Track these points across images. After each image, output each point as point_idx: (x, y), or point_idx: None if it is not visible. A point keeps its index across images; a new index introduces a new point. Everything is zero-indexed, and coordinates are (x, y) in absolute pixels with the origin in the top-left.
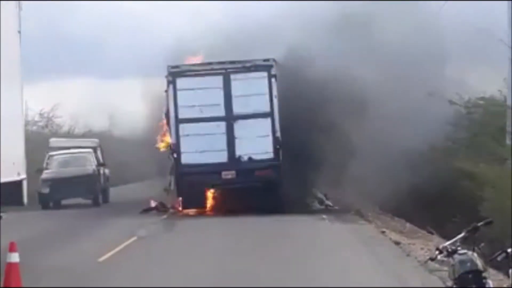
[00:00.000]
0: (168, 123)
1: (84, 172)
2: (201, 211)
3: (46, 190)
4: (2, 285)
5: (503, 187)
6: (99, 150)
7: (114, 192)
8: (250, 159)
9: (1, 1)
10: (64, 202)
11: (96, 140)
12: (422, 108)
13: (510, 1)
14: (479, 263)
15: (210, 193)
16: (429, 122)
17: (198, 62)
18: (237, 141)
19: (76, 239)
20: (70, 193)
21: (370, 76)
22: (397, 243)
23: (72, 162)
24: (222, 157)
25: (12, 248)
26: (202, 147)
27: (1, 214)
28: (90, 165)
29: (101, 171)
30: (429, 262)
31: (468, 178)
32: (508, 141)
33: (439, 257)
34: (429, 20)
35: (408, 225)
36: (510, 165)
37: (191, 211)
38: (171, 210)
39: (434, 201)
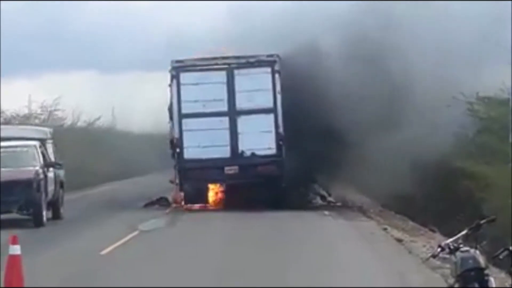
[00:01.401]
0: (171, 117)
1: (21, 176)
2: (204, 206)
3: None
4: (3, 278)
5: (505, 186)
6: (50, 143)
7: (115, 187)
8: (253, 154)
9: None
10: None
11: (46, 129)
12: (428, 107)
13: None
14: (482, 260)
15: (212, 188)
16: (435, 121)
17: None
18: (240, 137)
19: (78, 231)
20: None
21: (378, 76)
22: (399, 240)
23: (4, 161)
24: (225, 152)
25: (14, 241)
26: (205, 142)
27: None
28: (32, 166)
29: (50, 175)
30: (431, 259)
31: (470, 177)
32: (510, 140)
33: (441, 254)
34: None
35: (410, 222)
36: (511, 163)
37: (194, 206)
38: (174, 205)
39: (437, 199)
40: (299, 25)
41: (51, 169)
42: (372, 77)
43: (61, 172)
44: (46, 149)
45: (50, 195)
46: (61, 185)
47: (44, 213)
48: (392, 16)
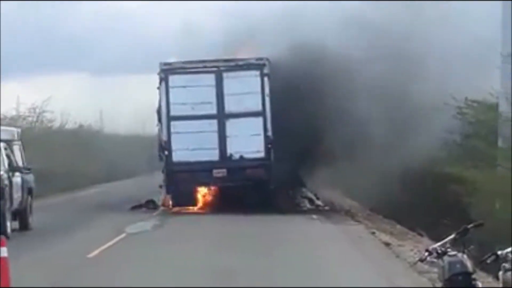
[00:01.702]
0: (159, 120)
1: None
2: (192, 209)
3: None
4: None
5: (493, 191)
6: (18, 145)
7: (103, 189)
8: (241, 157)
9: (1, 1)
10: None
11: (14, 129)
12: (417, 113)
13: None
14: (469, 265)
15: (200, 191)
16: (424, 126)
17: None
18: (228, 140)
19: (66, 234)
20: None
21: (368, 80)
22: (387, 244)
23: None
24: (214, 155)
25: (1, 243)
26: (193, 145)
27: None
28: None
29: (16, 180)
30: (419, 263)
31: (458, 181)
32: (500, 144)
33: (428, 258)
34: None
35: (398, 226)
36: (500, 168)
37: (182, 208)
38: (162, 208)
39: (425, 203)
40: (290, 27)
41: (17, 174)
42: (362, 82)
43: (30, 178)
44: (12, 151)
45: (16, 204)
46: (30, 192)
47: (9, 223)
48: (381, 22)
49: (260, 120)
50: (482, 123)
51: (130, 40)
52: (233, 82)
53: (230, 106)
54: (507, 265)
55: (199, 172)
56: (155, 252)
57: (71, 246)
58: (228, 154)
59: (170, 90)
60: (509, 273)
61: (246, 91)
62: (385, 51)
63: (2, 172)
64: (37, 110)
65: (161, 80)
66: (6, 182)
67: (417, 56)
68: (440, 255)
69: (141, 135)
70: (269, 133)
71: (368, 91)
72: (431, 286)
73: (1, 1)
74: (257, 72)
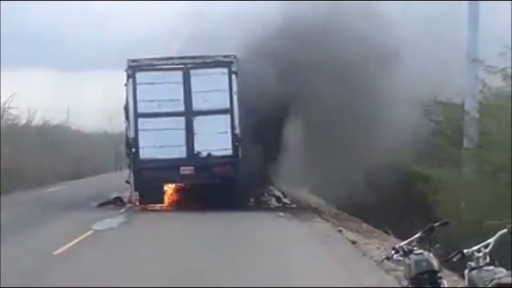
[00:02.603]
0: (127, 117)
1: None
2: (159, 206)
3: None
4: None
5: (458, 189)
6: None
7: (70, 186)
8: (208, 155)
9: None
10: None
11: None
12: (382, 110)
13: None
14: (435, 263)
15: (168, 188)
16: (390, 124)
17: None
18: (196, 137)
19: (32, 230)
20: None
21: (334, 79)
22: (353, 242)
23: None
24: (181, 153)
25: None
26: (160, 142)
27: None
28: None
29: None
30: (385, 261)
31: (424, 180)
32: (465, 145)
33: (395, 256)
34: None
35: (364, 225)
36: (466, 168)
37: (149, 206)
38: (129, 205)
39: (391, 201)
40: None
41: None
42: (328, 80)
43: None
44: None
45: None
46: None
47: None
48: (345, 18)
49: (227, 117)
50: (448, 122)
51: (97, 36)
52: (200, 79)
53: (198, 103)
54: (472, 264)
55: (166, 169)
56: (122, 249)
57: (37, 242)
58: (195, 152)
59: (138, 87)
60: (474, 272)
61: (214, 88)
62: (345, 49)
63: None
64: (2, 106)
65: (128, 76)
66: None
67: (381, 54)
68: (407, 253)
69: (108, 132)
70: (237, 131)
71: (334, 91)
72: (397, 284)
73: None
74: (225, 70)
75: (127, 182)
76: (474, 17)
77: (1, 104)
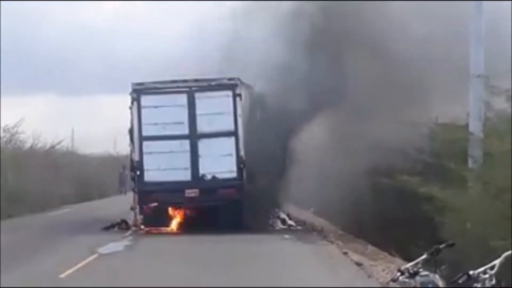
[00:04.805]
0: (131, 140)
1: None
2: (164, 229)
3: None
4: None
5: (463, 210)
6: None
7: (75, 209)
8: (213, 178)
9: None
10: None
11: None
12: (388, 131)
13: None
14: (441, 285)
15: (172, 211)
16: (394, 145)
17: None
18: (200, 160)
19: (37, 254)
20: None
21: (336, 99)
22: (359, 264)
23: None
24: (186, 176)
25: None
26: (165, 165)
27: None
28: None
29: None
30: (391, 283)
31: (429, 201)
32: (470, 165)
33: (400, 278)
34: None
35: (370, 246)
36: (470, 189)
37: (154, 229)
38: (133, 228)
39: (397, 223)
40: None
41: None
42: (330, 100)
43: None
44: None
45: None
46: None
47: None
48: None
49: (232, 140)
50: (452, 142)
51: (102, 60)
52: (205, 102)
53: (202, 126)
54: (479, 286)
55: (171, 192)
56: (127, 273)
57: (43, 266)
58: (200, 174)
59: (142, 110)
60: None
61: (218, 111)
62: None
63: None
64: (11, 131)
65: (133, 100)
66: None
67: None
68: (412, 275)
69: (113, 155)
70: (242, 153)
71: (336, 113)
72: None
73: None
74: (229, 92)
75: (132, 208)
76: (478, 34)
77: (9, 128)
